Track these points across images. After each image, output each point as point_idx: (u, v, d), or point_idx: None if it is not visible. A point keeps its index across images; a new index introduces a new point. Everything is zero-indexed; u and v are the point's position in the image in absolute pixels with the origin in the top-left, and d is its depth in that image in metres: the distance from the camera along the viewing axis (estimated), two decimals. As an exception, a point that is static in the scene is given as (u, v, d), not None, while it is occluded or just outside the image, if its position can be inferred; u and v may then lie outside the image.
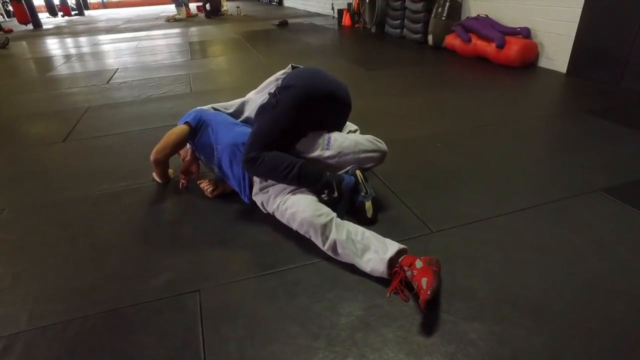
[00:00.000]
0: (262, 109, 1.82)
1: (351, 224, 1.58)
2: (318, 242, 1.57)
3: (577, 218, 1.77)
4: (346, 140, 1.80)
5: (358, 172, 1.80)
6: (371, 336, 1.24)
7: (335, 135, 1.81)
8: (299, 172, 1.66)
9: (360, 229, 1.55)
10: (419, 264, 1.35)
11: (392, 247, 1.44)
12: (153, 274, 1.54)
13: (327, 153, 1.78)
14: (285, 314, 1.34)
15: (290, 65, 1.93)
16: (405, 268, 1.37)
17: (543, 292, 1.37)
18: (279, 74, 1.90)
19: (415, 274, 1.33)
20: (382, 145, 1.85)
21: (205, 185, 2.04)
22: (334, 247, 1.52)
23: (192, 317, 1.34)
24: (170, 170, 2.24)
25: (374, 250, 1.46)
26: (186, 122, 1.99)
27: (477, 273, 1.47)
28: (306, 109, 1.75)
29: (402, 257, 1.42)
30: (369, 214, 1.75)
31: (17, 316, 1.37)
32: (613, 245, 1.59)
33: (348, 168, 1.83)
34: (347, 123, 2.08)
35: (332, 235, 1.52)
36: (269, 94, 1.83)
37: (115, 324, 1.33)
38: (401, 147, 2.44)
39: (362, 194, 1.76)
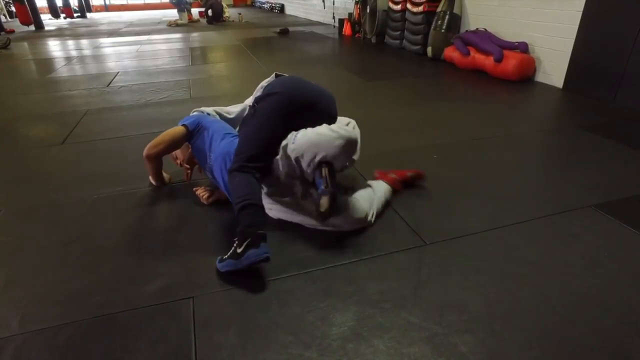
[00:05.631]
0: (244, 120, 1.85)
1: None
2: None
3: (570, 233, 1.79)
4: (309, 133, 1.70)
5: (323, 168, 1.70)
6: (362, 347, 1.24)
7: (302, 131, 1.73)
8: (241, 209, 1.58)
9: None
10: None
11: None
12: (147, 280, 1.54)
13: (292, 146, 1.70)
14: (278, 322, 1.34)
15: (274, 74, 1.94)
16: None
17: (535, 307, 1.39)
18: (264, 82, 1.92)
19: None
20: (345, 132, 1.66)
21: (201, 192, 2.05)
22: None
23: (185, 324, 1.34)
24: (168, 175, 2.25)
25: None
26: (184, 125, 2.01)
27: (470, 286, 1.48)
28: (286, 116, 1.74)
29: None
30: (322, 208, 1.70)
31: (8, 319, 1.37)
32: (605, 262, 1.61)
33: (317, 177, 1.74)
34: (342, 118, 2.02)
35: None
36: (249, 106, 1.84)
37: (108, 330, 1.33)
38: (397, 158, 2.46)
39: (322, 187, 1.68)
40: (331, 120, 1.90)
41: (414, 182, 2.18)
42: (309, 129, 1.74)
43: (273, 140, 1.76)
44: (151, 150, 2.02)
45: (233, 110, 2.23)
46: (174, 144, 2.03)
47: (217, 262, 1.56)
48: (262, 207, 1.63)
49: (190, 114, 2.18)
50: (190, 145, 2.08)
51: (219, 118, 2.19)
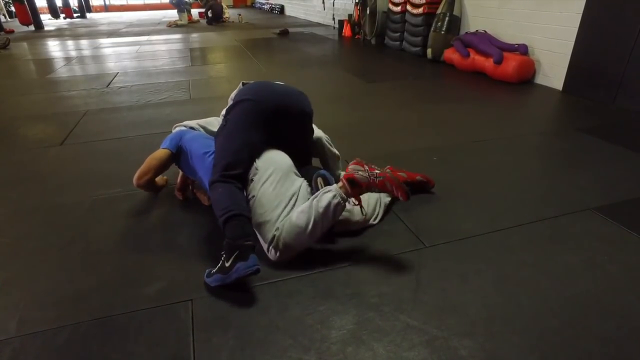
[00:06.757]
0: (217, 132, 1.83)
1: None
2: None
3: (569, 236, 1.79)
4: (265, 193, 1.63)
5: (319, 180, 1.72)
6: (362, 350, 1.24)
7: (262, 188, 1.64)
8: (225, 222, 1.52)
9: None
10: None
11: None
12: (146, 282, 1.54)
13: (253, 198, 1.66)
14: (277, 325, 1.34)
15: (241, 83, 1.92)
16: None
17: (535, 310, 1.38)
18: (232, 93, 1.90)
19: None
20: (279, 233, 1.56)
21: (202, 195, 2.04)
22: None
23: (184, 327, 1.34)
24: (165, 177, 2.23)
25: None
26: (167, 148, 1.99)
27: (469, 289, 1.48)
28: (257, 122, 1.72)
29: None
30: None
31: (6, 322, 1.36)
32: (604, 264, 1.61)
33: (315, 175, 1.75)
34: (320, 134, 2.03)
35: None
36: (223, 117, 1.83)
37: (106, 332, 1.32)
38: (397, 160, 2.45)
39: None
40: (305, 117, 1.86)
41: (422, 187, 2.15)
42: (264, 187, 1.64)
43: (248, 147, 1.70)
44: (141, 180, 1.96)
45: (218, 124, 2.20)
46: (160, 169, 1.99)
47: (204, 277, 1.52)
48: (247, 217, 1.54)
49: (173, 130, 2.14)
50: (180, 167, 2.07)
51: (202, 131, 2.15)
